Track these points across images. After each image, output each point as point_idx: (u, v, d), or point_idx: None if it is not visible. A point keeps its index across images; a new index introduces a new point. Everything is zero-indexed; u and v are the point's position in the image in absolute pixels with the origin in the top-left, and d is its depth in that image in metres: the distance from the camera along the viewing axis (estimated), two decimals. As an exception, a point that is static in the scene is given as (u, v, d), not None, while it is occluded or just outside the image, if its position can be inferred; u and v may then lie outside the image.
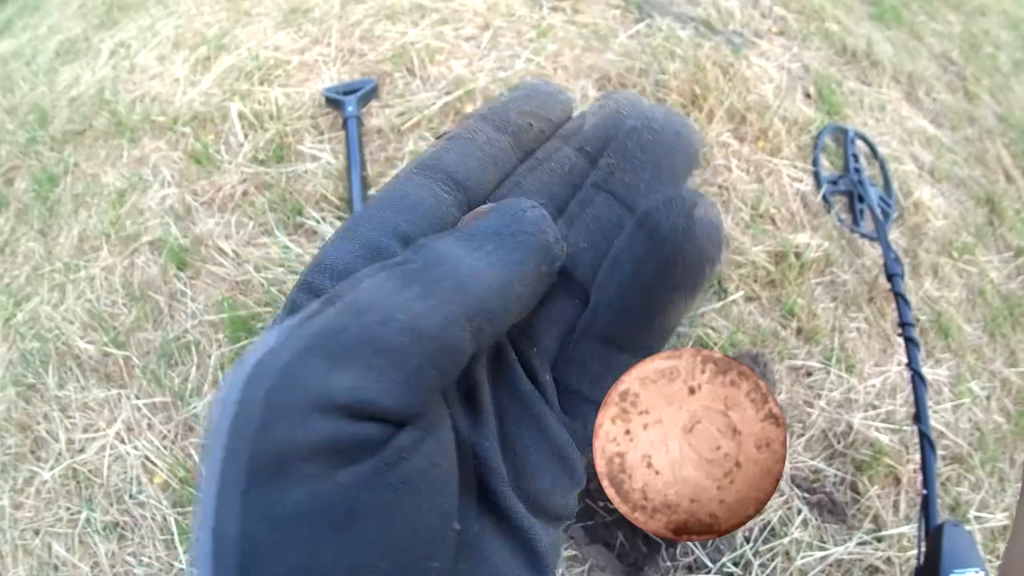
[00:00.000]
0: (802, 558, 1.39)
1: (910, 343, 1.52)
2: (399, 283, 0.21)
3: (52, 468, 1.49)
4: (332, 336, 0.20)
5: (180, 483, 1.42)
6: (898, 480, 1.54)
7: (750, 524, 1.42)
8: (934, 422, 1.63)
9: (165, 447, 1.48)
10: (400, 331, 0.20)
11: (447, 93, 1.94)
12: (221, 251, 1.70)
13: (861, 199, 1.98)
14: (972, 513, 1.55)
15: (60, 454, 1.50)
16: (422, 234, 0.25)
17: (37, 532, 1.44)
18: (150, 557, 1.38)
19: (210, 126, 1.96)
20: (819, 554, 1.40)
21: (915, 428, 1.43)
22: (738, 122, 2.01)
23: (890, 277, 1.67)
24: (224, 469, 0.20)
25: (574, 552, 1.35)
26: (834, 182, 2.01)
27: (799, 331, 1.69)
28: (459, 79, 1.98)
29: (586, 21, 2.23)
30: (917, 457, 1.49)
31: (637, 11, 2.31)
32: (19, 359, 1.65)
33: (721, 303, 1.66)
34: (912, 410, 1.47)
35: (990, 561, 1.42)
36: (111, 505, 1.44)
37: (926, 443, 1.37)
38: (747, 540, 1.41)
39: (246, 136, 1.91)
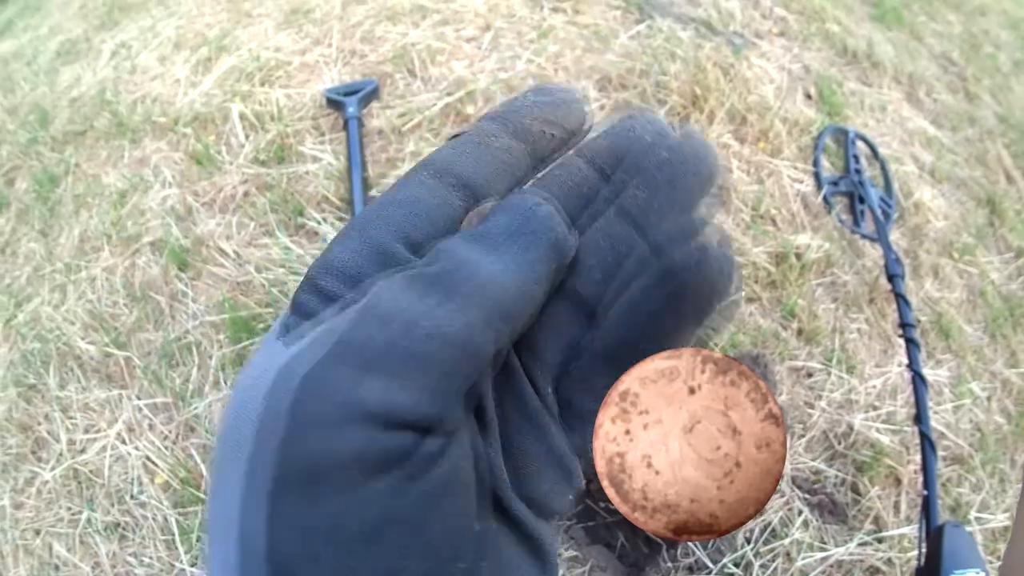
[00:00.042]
0: (803, 559, 1.39)
1: (911, 344, 1.52)
2: (421, 289, 0.21)
3: (53, 468, 1.49)
4: (359, 345, 0.20)
5: (181, 483, 1.42)
6: (899, 481, 1.53)
7: (750, 524, 1.42)
8: (935, 423, 1.63)
9: (166, 447, 1.48)
10: (425, 338, 0.21)
11: (448, 94, 1.94)
12: (222, 252, 1.70)
13: (862, 200, 1.98)
14: (973, 514, 1.55)
15: (61, 454, 1.51)
16: (431, 239, 0.24)
17: (38, 532, 1.44)
18: (151, 557, 1.38)
19: (211, 127, 1.96)
20: (820, 555, 1.40)
21: (916, 429, 1.43)
22: (739, 123, 2.01)
23: (891, 278, 1.67)
24: (250, 480, 0.20)
25: (575, 553, 1.36)
26: (835, 183, 2.01)
27: (800, 332, 1.69)
28: (460, 80, 1.98)
29: (587, 22, 2.23)
30: (918, 458, 1.49)
31: (638, 12, 2.31)
32: (20, 359, 1.65)
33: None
34: (913, 411, 1.47)
35: (991, 562, 1.42)
36: (112, 505, 1.44)
37: (927, 444, 1.37)
38: (748, 541, 1.41)
39: (247, 137, 1.91)
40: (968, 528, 1.44)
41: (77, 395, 1.57)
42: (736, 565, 1.38)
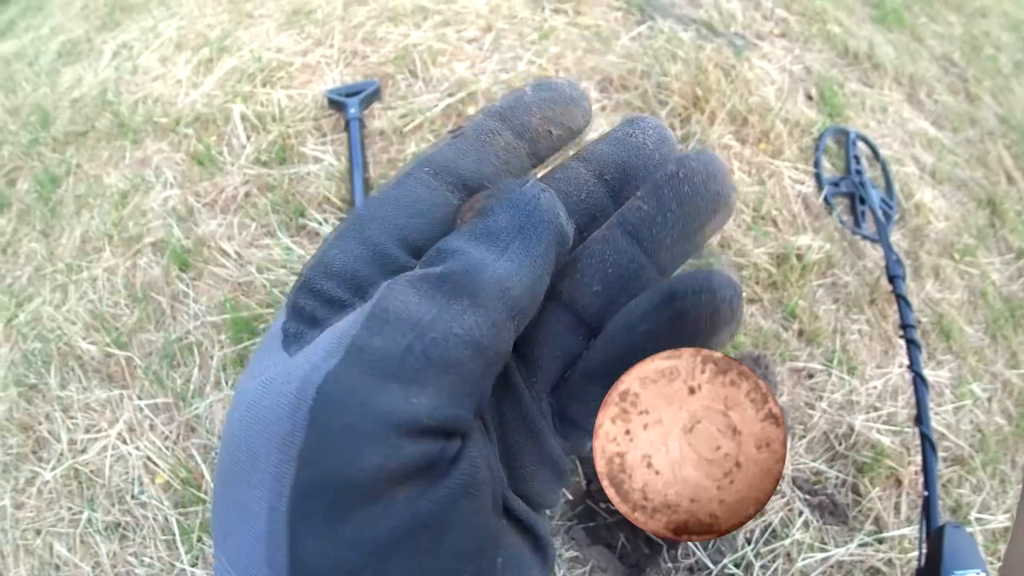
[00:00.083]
0: (803, 559, 1.39)
1: (911, 345, 1.52)
2: (430, 292, 0.21)
3: (54, 468, 1.49)
4: (399, 358, 0.20)
5: (182, 484, 1.42)
6: (899, 482, 1.53)
7: (751, 525, 1.42)
8: (935, 424, 1.62)
9: (167, 448, 1.48)
10: (460, 345, 0.21)
11: (449, 95, 1.94)
12: (223, 252, 1.70)
13: (863, 201, 1.98)
14: (973, 515, 1.55)
15: (62, 454, 1.51)
16: (429, 240, 0.24)
17: (39, 532, 1.44)
18: (151, 557, 1.38)
19: (212, 128, 1.96)
20: (820, 555, 1.40)
21: (916, 430, 1.43)
22: (740, 124, 2.01)
23: (891, 279, 1.67)
24: (298, 501, 0.19)
25: (576, 553, 1.36)
26: (836, 184, 2.01)
27: (801, 333, 1.69)
28: (461, 81, 1.98)
29: (588, 23, 2.23)
30: (918, 459, 1.49)
31: (639, 13, 2.31)
32: (21, 359, 1.65)
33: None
34: (913, 412, 1.47)
35: (991, 563, 1.42)
36: (113, 505, 1.44)
37: (927, 445, 1.37)
38: (748, 541, 1.41)
39: (248, 138, 1.91)
40: (968, 529, 1.44)
41: (78, 395, 1.57)
42: (736, 566, 1.38)
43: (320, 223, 1.70)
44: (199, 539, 1.37)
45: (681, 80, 2.02)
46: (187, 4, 2.49)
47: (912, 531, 1.46)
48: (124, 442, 1.50)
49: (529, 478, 0.26)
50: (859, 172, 2.05)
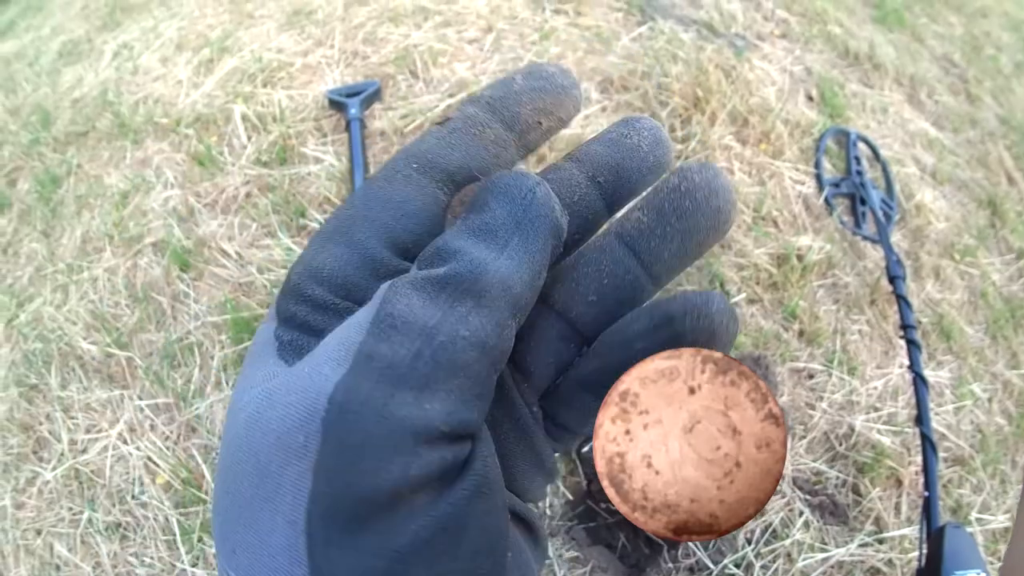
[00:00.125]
0: (803, 560, 1.39)
1: (912, 345, 1.52)
2: (434, 295, 0.21)
3: (54, 468, 1.49)
4: (408, 364, 0.20)
5: (182, 484, 1.42)
6: (900, 482, 1.53)
7: (751, 525, 1.42)
8: (936, 424, 1.62)
9: (167, 448, 1.48)
10: (468, 347, 0.20)
11: (450, 95, 1.95)
12: (224, 253, 1.70)
13: (863, 201, 1.98)
14: (974, 515, 1.55)
15: (62, 454, 1.51)
16: (419, 240, 0.24)
17: (39, 532, 1.44)
18: (152, 557, 1.38)
19: (213, 128, 1.96)
20: (820, 556, 1.40)
21: (917, 430, 1.43)
22: (740, 125, 2.01)
23: (892, 279, 1.67)
24: (317, 514, 0.19)
25: (576, 553, 1.36)
26: (836, 184, 2.01)
27: (801, 333, 1.69)
28: (462, 81, 1.98)
29: (588, 24, 2.23)
30: (919, 459, 1.49)
31: (639, 14, 2.31)
32: (22, 359, 1.65)
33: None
34: (914, 412, 1.47)
35: (991, 563, 1.42)
36: (113, 505, 1.44)
37: (928, 445, 1.37)
38: (749, 542, 1.41)
39: (249, 138, 1.91)
40: (969, 529, 1.44)
41: (79, 395, 1.57)
42: (737, 566, 1.38)
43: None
44: (200, 539, 1.37)
45: (682, 81, 2.02)
46: (188, 4, 2.49)
47: (912, 531, 1.46)
48: (125, 442, 1.50)
49: (520, 476, 0.26)
50: (860, 173, 2.05)
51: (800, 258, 1.77)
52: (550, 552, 1.35)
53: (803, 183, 1.98)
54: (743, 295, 1.69)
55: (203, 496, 1.40)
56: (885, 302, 1.79)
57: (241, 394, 0.22)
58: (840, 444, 1.56)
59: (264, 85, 2.03)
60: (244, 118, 1.95)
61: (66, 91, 2.30)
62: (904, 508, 1.51)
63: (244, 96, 2.00)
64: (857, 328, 1.75)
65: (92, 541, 1.41)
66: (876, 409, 1.63)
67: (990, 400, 1.78)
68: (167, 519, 1.41)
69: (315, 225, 1.70)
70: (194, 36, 2.31)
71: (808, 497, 1.48)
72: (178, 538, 1.38)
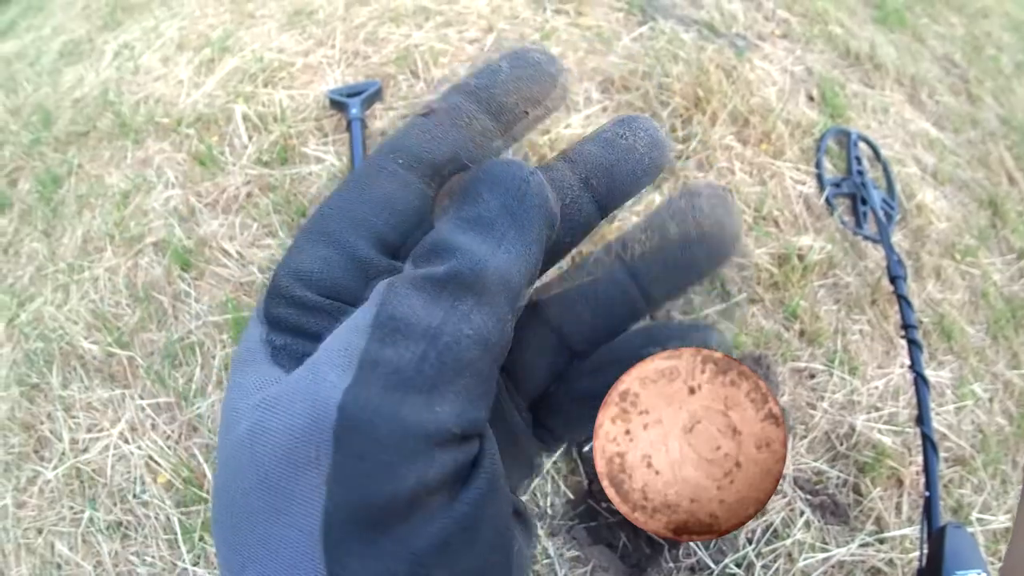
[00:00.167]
0: (804, 559, 1.39)
1: (913, 345, 1.52)
2: (434, 293, 0.20)
3: (55, 467, 1.50)
4: (415, 368, 0.19)
5: (184, 483, 1.42)
6: (900, 482, 1.53)
7: (751, 525, 1.42)
8: (936, 424, 1.62)
9: (169, 447, 1.48)
10: (472, 346, 0.20)
11: (450, 95, 1.94)
12: (225, 252, 1.70)
13: (864, 201, 1.98)
14: (974, 515, 1.55)
15: (64, 454, 1.51)
16: (407, 239, 0.24)
17: (40, 531, 1.45)
18: (153, 557, 1.38)
19: (214, 128, 1.96)
20: (821, 555, 1.40)
21: (917, 430, 1.43)
22: (741, 125, 2.01)
23: (893, 279, 1.67)
24: (333, 525, 0.19)
25: (577, 553, 1.36)
26: (837, 184, 2.01)
27: (802, 333, 1.69)
28: (463, 81, 1.98)
29: (589, 24, 2.23)
30: (919, 459, 1.49)
31: (640, 14, 2.31)
32: (23, 359, 1.65)
33: (724, 305, 1.66)
34: (914, 412, 1.47)
35: (992, 563, 1.42)
36: (114, 505, 1.44)
37: (928, 445, 1.37)
38: (749, 541, 1.41)
39: (250, 138, 1.92)
40: (970, 529, 1.44)
41: (80, 394, 1.57)
42: (738, 566, 1.38)
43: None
44: (201, 538, 1.37)
45: (682, 81, 2.02)
46: (189, 4, 2.49)
47: (913, 531, 1.45)
48: (126, 441, 1.50)
49: (508, 475, 0.26)
50: (860, 173, 2.05)
51: (801, 258, 1.77)
52: (551, 551, 1.35)
53: (804, 183, 1.98)
54: (744, 295, 1.69)
55: (204, 495, 1.41)
56: (886, 302, 1.79)
57: (237, 402, 0.22)
58: (841, 444, 1.56)
59: (265, 85, 2.03)
60: (245, 118, 1.95)
61: (67, 91, 2.30)
62: (905, 508, 1.51)
63: (245, 96, 2.00)
64: (858, 328, 1.75)
65: (93, 540, 1.42)
66: (877, 409, 1.63)
67: (991, 400, 1.78)
68: (168, 518, 1.41)
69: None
70: (195, 36, 2.31)
71: (809, 497, 1.48)
72: (179, 537, 1.38)
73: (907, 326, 1.56)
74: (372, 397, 0.19)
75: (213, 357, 1.57)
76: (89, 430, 1.53)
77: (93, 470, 1.48)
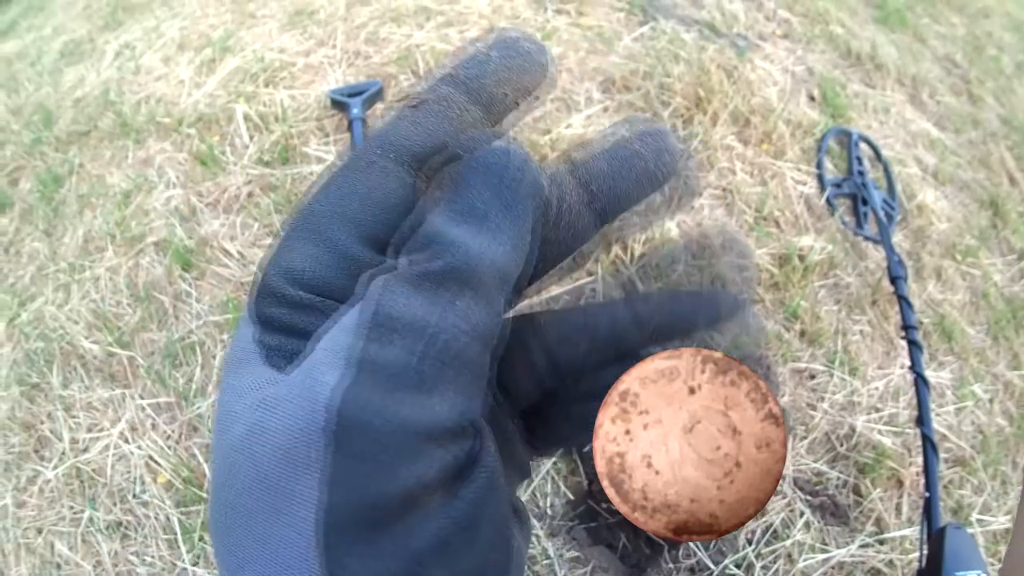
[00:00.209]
0: (804, 560, 1.39)
1: (913, 346, 1.52)
2: (448, 292, 0.20)
3: (55, 467, 1.50)
4: (414, 368, 0.19)
5: (184, 483, 1.42)
6: (900, 483, 1.53)
7: (751, 525, 1.42)
8: (937, 425, 1.62)
9: (169, 447, 1.48)
10: (469, 342, 0.20)
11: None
12: (226, 252, 1.70)
13: (865, 202, 1.98)
14: (974, 516, 1.55)
15: (64, 453, 1.51)
16: (394, 234, 0.23)
17: (40, 531, 1.45)
18: (153, 556, 1.38)
19: (215, 128, 1.96)
20: (821, 556, 1.40)
21: (918, 431, 1.43)
22: (742, 125, 2.01)
23: (893, 280, 1.67)
24: (332, 525, 0.19)
25: (577, 553, 1.36)
26: (838, 185, 2.01)
27: (802, 334, 1.69)
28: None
29: (590, 24, 2.23)
30: (919, 460, 1.49)
31: (641, 14, 2.31)
32: (23, 358, 1.65)
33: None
34: (915, 413, 1.46)
35: (992, 564, 1.42)
36: (114, 504, 1.44)
37: (928, 446, 1.36)
38: (749, 542, 1.41)
39: (251, 138, 1.92)
40: (970, 530, 1.44)
41: (80, 394, 1.57)
42: (738, 566, 1.38)
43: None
44: (201, 538, 1.37)
45: (683, 81, 2.02)
46: (190, 4, 2.49)
47: (913, 532, 1.45)
48: (126, 441, 1.50)
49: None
50: (861, 173, 2.05)
51: (802, 258, 1.77)
52: (551, 552, 1.35)
53: (805, 183, 1.98)
54: (744, 295, 1.68)
55: (204, 495, 1.40)
56: (886, 302, 1.79)
57: (232, 403, 0.21)
58: (841, 445, 1.56)
59: (266, 85, 2.03)
60: (246, 118, 1.95)
61: (68, 91, 2.30)
62: (905, 509, 1.50)
63: (246, 96, 2.00)
64: (858, 328, 1.75)
65: (93, 540, 1.42)
66: (877, 410, 1.63)
67: (991, 401, 1.78)
68: (168, 518, 1.41)
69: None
70: (196, 36, 2.31)
71: (809, 498, 1.48)
72: (179, 537, 1.38)
73: (907, 327, 1.55)
74: (369, 397, 0.19)
75: (214, 357, 1.57)
76: (89, 430, 1.53)
77: (93, 470, 1.48)
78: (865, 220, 1.96)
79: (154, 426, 1.51)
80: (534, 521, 1.38)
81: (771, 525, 1.43)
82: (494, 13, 2.21)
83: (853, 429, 1.57)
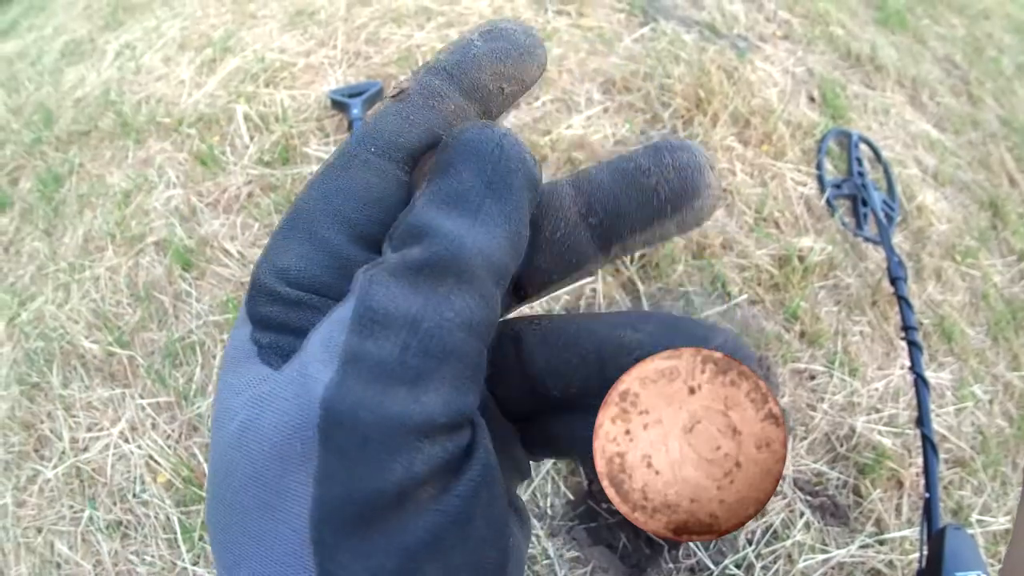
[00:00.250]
0: (804, 561, 1.39)
1: (913, 347, 1.52)
2: (430, 281, 0.20)
3: (55, 466, 1.50)
4: (398, 359, 0.19)
5: (184, 482, 1.42)
6: (900, 483, 1.53)
7: (751, 525, 1.42)
8: (937, 426, 1.62)
9: (169, 446, 1.48)
10: (455, 329, 0.19)
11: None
12: (226, 252, 1.70)
13: (865, 203, 1.98)
14: (974, 517, 1.55)
15: (64, 452, 1.51)
16: (384, 229, 0.22)
17: (40, 530, 1.45)
18: (153, 556, 1.38)
19: (216, 128, 1.96)
20: (821, 557, 1.40)
21: (918, 431, 1.43)
22: (742, 126, 2.01)
23: (893, 281, 1.67)
24: (322, 521, 0.19)
25: (577, 553, 1.36)
26: (838, 186, 2.01)
27: (802, 334, 1.69)
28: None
29: (591, 25, 2.23)
30: (919, 460, 1.49)
31: (642, 15, 2.31)
32: (23, 358, 1.65)
33: (725, 306, 1.66)
34: (915, 414, 1.47)
35: (992, 564, 1.42)
36: (114, 504, 1.44)
37: (928, 446, 1.36)
38: (749, 542, 1.41)
39: (252, 138, 1.92)
40: (969, 531, 1.44)
41: (80, 394, 1.57)
42: (738, 566, 1.38)
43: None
44: (200, 538, 1.37)
45: (684, 82, 2.02)
46: (190, 4, 2.49)
47: (913, 533, 1.45)
48: (126, 441, 1.50)
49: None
50: (861, 174, 2.05)
51: (802, 259, 1.77)
52: (551, 552, 1.35)
53: (805, 184, 1.98)
54: (744, 296, 1.69)
55: (204, 495, 1.40)
56: (886, 303, 1.79)
57: (228, 400, 0.21)
58: (841, 445, 1.56)
59: (266, 85, 2.03)
60: (246, 118, 1.95)
61: (68, 90, 2.30)
62: (905, 509, 1.51)
63: (246, 96, 2.00)
64: (858, 329, 1.75)
65: (93, 539, 1.42)
66: (877, 410, 1.63)
67: (991, 402, 1.78)
68: (168, 517, 1.41)
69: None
70: (196, 36, 2.31)
71: (809, 498, 1.48)
72: (179, 536, 1.38)
73: (907, 327, 1.56)
74: (355, 391, 0.19)
75: (214, 356, 1.57)
76: (89, 429, 1.53)
77: (93, 469, 1.48)
78: (865, 221, 1.96)
79: (154, 425, 1.51)
80: (534, 521, 1.38)
81: (771, 525, 1.43)
82: (494, 14, 2.21)
83: (853, 430, 1.57)
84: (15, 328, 1.72)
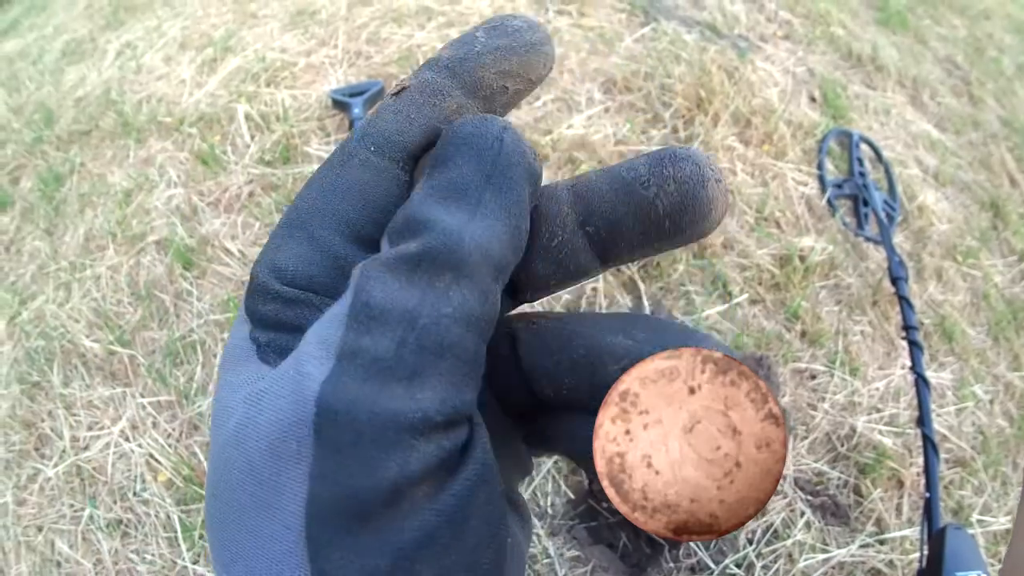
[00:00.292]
0: (805, 560, 1.39)
1: (914, 346, 1.52)
2: (427, 275, 0.19)
3: (56, 465, 1.50)
4: (394, 355, 0.19)
5: (184, 481, 1.42)
6: (901, 483, 1.53)
7: (752, 525, 1.42)
8: (937, 425, 1.62)
9: (169, 445, 1.48)
10: (452, 325, 0.19)
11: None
12: (227, 251, 1.70)
13: (866, 203, 1.98)
14: (975, 516, 1.55)
15: (64, 451, 1.51)
16: (382, 229, 0.22)
17: (40, 529, 1.45)
18: (153, 555, 1.38)
19: (216, 127, 1.96)
20: (821, 556, 1.40)
21: (918, 431, 1.43)
22: (743, 126, 2.01)
23: (894, 281, 1.67)
24: (316, 518, 0.18)
25: (577, 553, 1.36)
26: (839, 186, 2.01)
27: (803, 334, 1.69)
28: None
29: (592, 24, 2.23)
30: (920, 460, 1.49)
31: (643, 15, 2.31)
32: (24, 357, 1.65)
33: (726, 306, 1.66)
34: (915, 413, 1.47)
35: (992, 564, 1.42)
36: (115, 502, 1.44)
37: (929, 446, 1.36)
38: (750, 542, 1.41)
39: (252, 137, 1.92)
40: (970, 530, 1.44)
41: (81, 392, 1.57)
42: (738, 566, 1.38)
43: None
44: (201, 536, 1.37)
45: (685, 82, 2.02)
46: (191, 4, 2.49)
47: (914, 532, 1.45)
48: (126, 439, 1.50)
49: (501, 471, 0.26)
50: (862, 174, 2.05)
51: (802, 259, 1.77)
52: (551, 551, 1.35)
53: (806, 184, 1.98)
54: (745, 296, 1.69)
55: (204, 493, 1.41)
56: (887, 303, 1.79)
57: (226, 398, 0.21)
58: (842, 445, 1.56)
59: (267, 84, 2.03)
60: (247, 117, 1.95)
61: (69, 90, 2.30)
62: (905, 509, 1.50)
63: (247, 95, 2.00)
64: (859, 329, 1.75)
65: (93, 538, 1.42)
66: (878, 410, 1.63)
67: (992, 402, 1.78)
68: (168, 516, 1.41)
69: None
70: (197, 35, 2.31)
71: (809, 498, 1.48)
72: (179, 535, 1.38)
73: (908, 327, 1.56)
74: (350, 388, 0.18)
75: (214, 355, 1.57)
76: (90, 428, 1.53)
77: (93, 468, 1.48)
78: (866, 221, 1.96)
79: (155, 424, 1.52)
80: (535, 520, 1.39)
81: (772, 525, 1.43)
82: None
83: (854, 429, 1.57)
84: (16, 327, 1.72)
